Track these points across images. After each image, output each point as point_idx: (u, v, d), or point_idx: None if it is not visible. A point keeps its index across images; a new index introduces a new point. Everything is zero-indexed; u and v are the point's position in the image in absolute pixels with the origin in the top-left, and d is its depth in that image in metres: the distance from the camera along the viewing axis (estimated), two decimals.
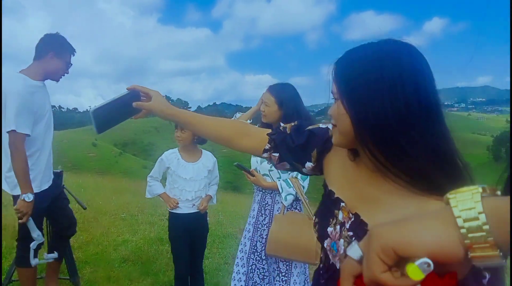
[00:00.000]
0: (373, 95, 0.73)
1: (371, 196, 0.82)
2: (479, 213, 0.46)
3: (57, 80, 2.56)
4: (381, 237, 0.49)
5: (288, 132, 1.06)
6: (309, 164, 1.01)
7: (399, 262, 0.48)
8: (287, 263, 2.31)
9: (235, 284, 2.42)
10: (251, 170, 2.41)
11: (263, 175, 2.38)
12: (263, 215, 2.39)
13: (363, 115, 0.74)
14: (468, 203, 0.47)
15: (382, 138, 0.73)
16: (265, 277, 2.35)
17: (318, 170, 1.01)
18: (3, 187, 2.43)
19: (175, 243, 2.73)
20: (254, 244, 2.40)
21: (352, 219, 0.84)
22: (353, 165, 0.89)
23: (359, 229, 0.81)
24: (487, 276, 0.64)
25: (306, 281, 2.33)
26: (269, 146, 1.08)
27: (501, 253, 0.45)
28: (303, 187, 2.29)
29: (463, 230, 0.46)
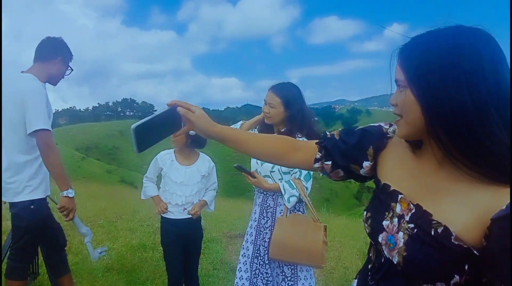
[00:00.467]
0: (449, 83, 0.70)
1: (436, 186, 0.80)
2: None
3: (55, 84, 2.51)
4: None
5: (337, 137, 1.02)
6: (366, 163, 0.97)
7: None
8: (292, 267, 2.27)
9: None
10: (252, 171, 2.35)
11: (264, 176, 2.33)
12: (265, 218, 2.34)
13: (437, 104, 0.71)
14: None
15: (456, 128, 0.71)
16: (269, 282, 2.29)
17: (374, 169, 0.97)
18: (3, 198, 2.33)
19: (167, 249, 2.62)
20: (257, 248, 2.34)
21: (413, 210, 0.82)
22: (414, 157, 0.87)
23: (421, 220, 0.79)
24: None
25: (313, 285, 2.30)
26: (320, 154, 1.04)
27: None
28: (306, 189, 2.26)
29: None
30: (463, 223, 0.73)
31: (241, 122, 2.55)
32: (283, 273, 2.27)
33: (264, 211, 2.35)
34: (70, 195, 2.31)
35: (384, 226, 0.86)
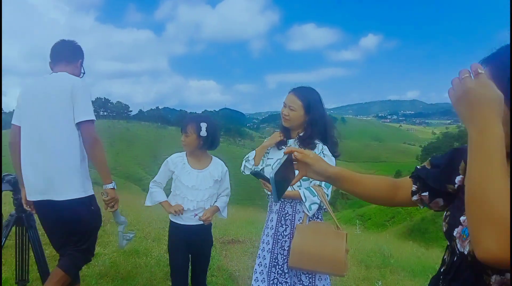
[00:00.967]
0: None
1: None
2: None
3: None
4: None
5: (429, 167, 1.04)
6: (459, 178, 0.97)
7: None
8: (309, 275, 2.21)
9: None
10: (269, 178, 2.27)
11: None
12: (284, 226, 2.27)
13: None
14: None
15: None
16: None
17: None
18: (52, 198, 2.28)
19: (173, 256, 2.51)
20: (274, 256, 2.26)
21: None
22: None
23: None
24: None
25: None
26: (416, 186, 1.05)
27: None
28: (327, 196, 2.22)
29: None
30: None
31: (253, 152, 2.45)
32: (301, 282, 2.21)
33: (282, 218, 2.28)
34: (115, 187, 2.39)
35: (461, 221, 0.88)
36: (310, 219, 2.23)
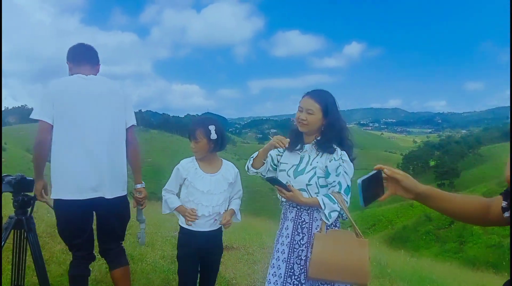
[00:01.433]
0: None
1: None
2: None
3: None
4: None
5: None
6: None
7: None
8: None
9: None
10: (287, 184, 2.19)
11: (299, 190, 2.19)
12: (300, 234, 2.20)
13: None
14: None
15: None
16: None
17: None
18: (52, 196, 2.37)
19: (183, 264, 2.40)
20: (290, 266, 2.18)
21: None
22: None
23: None
24: None
25: None
26: (505, 202, 1.04)
27: None
28: (346, 203, 2.16)
29: None
30: None
31: (256, 153, 2.41)
32: None
33: (299, 226, 2.21)
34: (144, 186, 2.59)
35: None
36: (328, 227, 2.17)
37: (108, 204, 2.37)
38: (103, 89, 2.41)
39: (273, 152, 2.37)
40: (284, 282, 2.17)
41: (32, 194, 2.44)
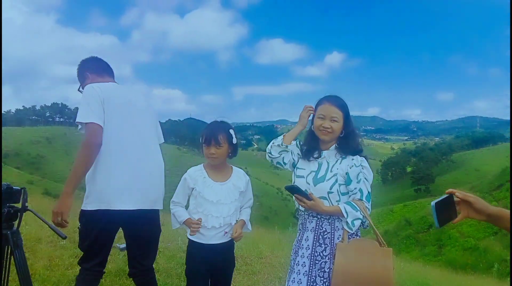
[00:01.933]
0: None
1: None
2: None
3: None
4: None
5: None
6: None
7: None
8: None
9: None
10: (309, 193, 2.03)
11: (320, 198, 2.04)
12: (322, 245, 2.04)
13: None
14: None
15: None
16: None
17: None
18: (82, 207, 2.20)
19: (192, 279, 2.20)
20: (312, 279, 2.02)
21: None
22: None
23: None
24: None
25: None
26: None
27: None
28: (368, 210, 2.02)
29: None
30: None
31: (281, 136, 2.24)
32: None
33: (320, 237, 2.05)
34: None
35: None
36: (350, 236, 2.02)
37: (153, 216, 2.32)
38: (141, 101, 2.40)
39: (295, 150, 2.24)
40: None
41: (19, 205, 2.18)
